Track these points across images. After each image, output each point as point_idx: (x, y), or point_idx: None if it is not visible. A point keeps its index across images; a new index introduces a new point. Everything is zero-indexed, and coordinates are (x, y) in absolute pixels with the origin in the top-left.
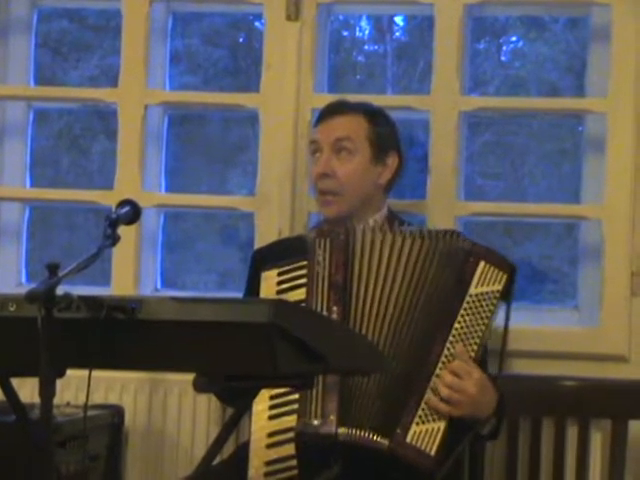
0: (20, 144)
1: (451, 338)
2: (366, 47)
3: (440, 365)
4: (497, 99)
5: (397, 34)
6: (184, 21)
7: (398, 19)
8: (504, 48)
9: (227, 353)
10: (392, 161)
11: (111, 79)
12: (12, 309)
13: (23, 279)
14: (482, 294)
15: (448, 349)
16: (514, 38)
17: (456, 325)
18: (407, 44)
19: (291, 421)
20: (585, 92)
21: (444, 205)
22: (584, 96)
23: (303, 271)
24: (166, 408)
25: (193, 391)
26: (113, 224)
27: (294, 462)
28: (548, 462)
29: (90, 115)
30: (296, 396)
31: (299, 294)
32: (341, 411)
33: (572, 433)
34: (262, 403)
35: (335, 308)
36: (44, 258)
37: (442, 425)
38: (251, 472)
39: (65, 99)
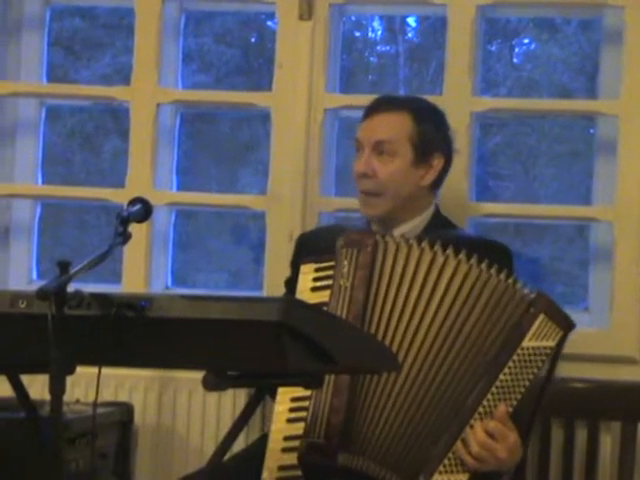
0: (32, 141)
1: (493, 389)
2: (378, 48)
3: (476, 416)
4: (509, 100)
5: (409, 35)
6: (197, 20)
7: (410, 20)
8: (516, 50)
9: (237, 351)
10: (437, 162)
11: (123, 77)
12: (23, 306)
13: (34, 276)
14: (534, 348)
15: (488, 400)
16: (526, 40)
17: (501, 377)
18: (419, 45)
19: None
20: (597, 94)
21: (455, 206)
22: (596, 98)
23: (333, 271)
24: (176, 406)
25: (203, 389)
26: (124, 222)
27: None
28: (557, 464)
29: (102, 113)
30: (309, 403)
31: (326, 295)
32: (346, 436)
33: (581, 435)
34: (283, 404)
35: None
36: (55, 255)
37: (464, 478)
38: (265, 474)
39: (77, 97)
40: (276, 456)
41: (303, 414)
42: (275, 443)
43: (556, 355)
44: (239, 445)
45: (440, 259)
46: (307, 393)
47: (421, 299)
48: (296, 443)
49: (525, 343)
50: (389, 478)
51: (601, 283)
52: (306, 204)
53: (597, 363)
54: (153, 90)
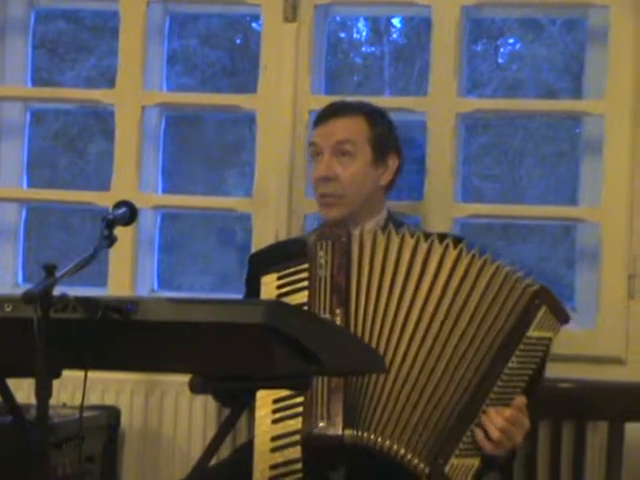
0: (17, 145)
1: (503, 376)
2: (363, 49)
3: (487, 401)
4: (494, 101)
5: (394, 36)
6: (181, 22)
7: (395, 21)
8: (501, 50)
9: (223, 354)
10: (392, 162)
11: (108, 80)
12: (8, 310)
13: (19, 280)
14: (537, 338)
15: (499, 386)
16: (511, 40)
17: (510, 364)
18: (404, 46)
19: (295, 425)
20: (582, 94)
21: (441, 206)
22: (581, 98)
23: (304, 274)
24: (162, 409)
25: (189, 392)
26: (110, 225)
27: (299, 465)
28: (544, 464)
29: (87, 116)
30: (299, 399)
31: (300, 297)
32: (349, 413)
33: (568, 435)
34: (265, 408)
35: (338, 310)
36: (41, 259)
37: (476, 462)
38: (256, 475)
39: (62, 100)
40: (265, 457)
41: (288, 412)
42: (263, 445)
43: (549, 348)
44: (226, 449)
45: (424, 245)
46: (289, 393)
47: (408, 284)
48: (286, 440)
49: (530, 332)
50: (399, 451)
51: (587, 283)
52: (292, 206)
53: (584, 363)
54: (138, 93)
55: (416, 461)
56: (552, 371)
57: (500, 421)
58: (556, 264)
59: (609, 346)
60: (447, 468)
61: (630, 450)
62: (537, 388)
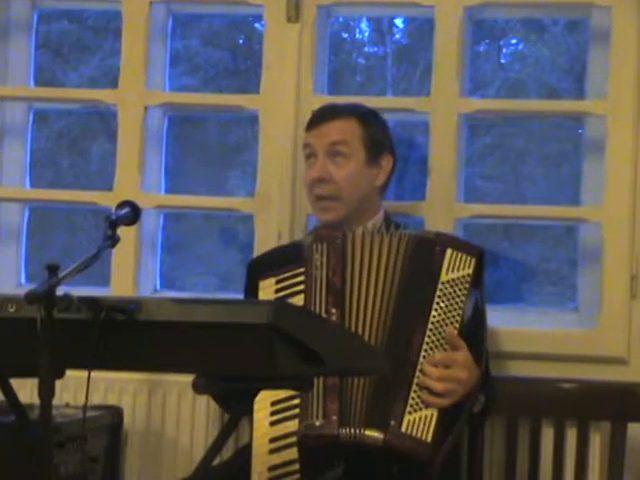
0: (20, 145)
1: (430, 326)
2: (366, 49)
3: (423, 353)
4: (497, 101)
5: (397, 36)
6: (184, 22)
7: (398, 21)
8: (504, 50)
9: (226, 354)
10: (386, 162)
11: (111, 80)
12: (12, 310)
13: (23, 280)
14: (453, 280)
15: (429, 337)
16: (514, 40)
17: (433, 313)
18: (407, 46)
19: (293, 426)
20: (585, 94)
21: (443, 207)
22: (584, 98)
23: (301, 278)
24: (165, 409)
25: (192, 392)
26: (113, 225)
27: (297, 466)
28: (547, 464)
29: (90, 116)
30: (297, 401)
31: (297, 300)
32: (341, 411)
33: (571, 435)
34: (263, 410)
35: (334, 310)
36: (44, 259)
37: (434, 411)
38: (254, 478)
39: (65, 100)
40: (263, 459)
41: (286, 414)
42: (261, 447)
43: (479, 281)
44: (229, 450)
45: (394, 241)
46: (287, 394)
47: (387, 275)
48: (283, 442)
49: (443, 278)
50: (376, 436)
51: (590, 283)
52: (294, 206)
53: (586, 363)
54: (141, 93)
55: (373, 433)
56: (554, 371)
57: (434, 371)
58: (558, 264)
59: (611, 346)
60: (404, 427)
61: (633, 450)
62: (483, 323)
